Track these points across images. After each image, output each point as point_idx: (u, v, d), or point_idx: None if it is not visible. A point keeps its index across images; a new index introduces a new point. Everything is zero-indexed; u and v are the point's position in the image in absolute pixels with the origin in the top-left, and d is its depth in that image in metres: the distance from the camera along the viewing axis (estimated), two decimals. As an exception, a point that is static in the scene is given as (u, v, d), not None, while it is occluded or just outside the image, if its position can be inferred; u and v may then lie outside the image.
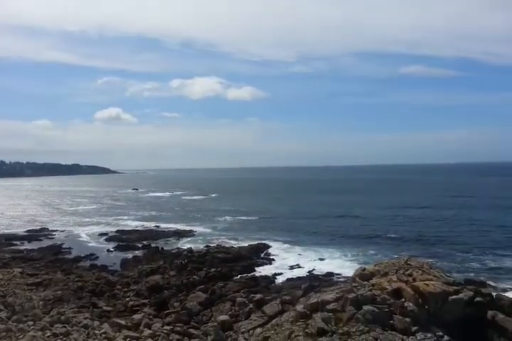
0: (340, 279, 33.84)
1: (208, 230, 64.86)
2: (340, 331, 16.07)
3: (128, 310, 27.50)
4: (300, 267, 41.00)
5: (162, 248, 50.72)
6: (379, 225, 63.76)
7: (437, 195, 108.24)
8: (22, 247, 54.27)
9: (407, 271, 19.37)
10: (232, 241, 54.14)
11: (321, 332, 16.07)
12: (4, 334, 19.67)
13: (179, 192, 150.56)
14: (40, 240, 59.55)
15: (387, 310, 16.89)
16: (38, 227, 69.77)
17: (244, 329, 19.99)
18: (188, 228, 66.55)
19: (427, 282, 17.98)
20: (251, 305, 24.59)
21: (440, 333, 16.24)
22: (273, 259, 44.75)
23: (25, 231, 66.04)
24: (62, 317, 22.76)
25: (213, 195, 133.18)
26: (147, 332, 21.14)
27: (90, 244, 56.82)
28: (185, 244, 53.62)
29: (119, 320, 23.21)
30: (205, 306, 27.08)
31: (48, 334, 19.98)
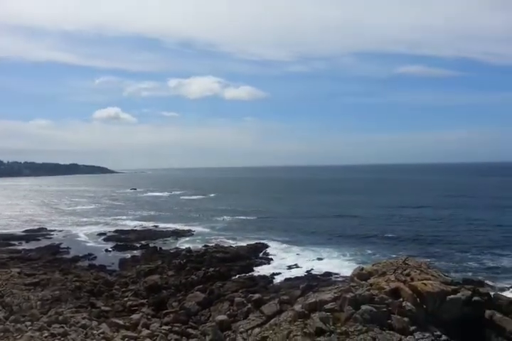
0: (339, 279, 33.88)
1: (207, 230, 64.85)
2: (339, 331, 16.08)
3: (126, 310, 27.48)
4: (298, 267, 41.04)
5: (160, 248, 50.71)
6: (377, 225, 63.84)
7: (436, 195, 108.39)
8: (20, 247, 54.18)
9: (405, 270, 19.38)
10: (231, 241, 54.15)
11: (319, 332, 16.07)
12: (2, 334, 19.64)
13: (178, 192, 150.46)
14: (38, 240, 59.45)
15: (385, 309, 16.90)
16: (36, 227, 69.62)
17: (242, 329, 19.98)
18: (186, 228, 66.55)
19: (424, 281, 18.00)
20: (249, 305, 24.59)
21: (438, 333, 16.26)
22: (271, 259, 44.78)
23: (23, 231, 65.92)
24: (60, 317, 22.73)
25: (212, 195, 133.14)
26: (145, 332, 21.14)
27: (88, 244, 56.76)
28: (183, 244, 53.61)
29: (117, 320, 23.19)
30: (204, 306, 27.08)
31: (46, 334, 19.95)
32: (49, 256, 47.38)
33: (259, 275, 37.68)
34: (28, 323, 21.72)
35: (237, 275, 37.47)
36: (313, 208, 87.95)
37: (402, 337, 15.78)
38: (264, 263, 43.09)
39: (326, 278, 35.61)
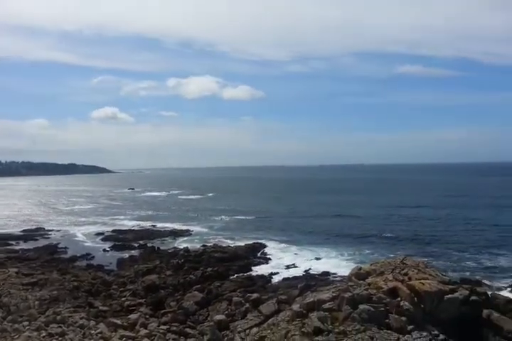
0: (337, 278, 33.87)
1: (205, 229, 64.82)
2: (337, 330, 16.10)
3: (124, 310, 27.46)
4: (296, 266, 41.06)
5: (158, 247, 50.67)
6: (375, 224, 63.91)
7: (434, 195, 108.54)
8: (17, 247, 54.04)
9: (402, 270, 19.43)
10: (229, 241, 54.15)
11: (318, 332, 16.10)
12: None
13: (176, 192, 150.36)
14: (36, 240, 59.35)
15: (383, 309, 16.94)
16: (34, 227, 69.47)
17: (240, 329, 20.00)
18: (184, 227, 66.50)
19: (422, 281, 18.05)
20: (247, 305, 24.62)
21: (436, 332, 16.30)
22: (269, 259, 44.80)
23: (21, 231, 65.79)
24: (58, 317, 22.70)
25: (210, 195, 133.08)
26: (143, 331, 21.13)
27: (86, 244, 56.68)
28: (181, 244, 53.58)
29: (115, 320, 23.17)
30: (202, 306, 27.08)
31: (44, 334, 19.93)
32: (47, 255, 47.28)
33: (257, 275, 37.68)
34: (26, 323, 21.70)
35: (235, 275, 37.46)
36: (312, 208, 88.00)
37: (400, 336, 15.81)
38: (262, 263, 43.10)
39: (324, 278, 35.64)
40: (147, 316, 25.28)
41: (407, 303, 17.10)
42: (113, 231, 64.50)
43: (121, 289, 32.86)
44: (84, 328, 21.27)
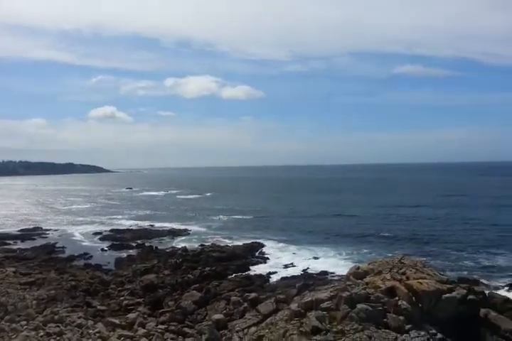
0: (335, 278, 33.88)
1: (203, 229, 64.79)
2: (335, 329, 16.11)
3: (122, 309, 27.43)
4: (294, 266, 41.08)
5: (156, 247, 50.63)
6: (373, 224, 63.99)
7: (433, 195, 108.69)
8: (15, 246, 53.94)
9: (400, 269, 19.45)
10: (227, 240, 54.14)
11: (316, 331, 16.10)
12: (-3, 333, 19.56)
13: (174, 191, 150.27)
14: (34, 239, 59.24)
15: (380, 308, 16.95)
16: (32, 226, 69.37)
17: (238, 328, 20.00)
18: (182, 227, 66.46)
19: (420, 280, 18.07)
20: (245, 304, 24.61)
21: (433, 331, 16.32)
22: (267, 258, 44.80)
23: (19, 231, 65.67)
24: (56, 317, 22.66)
25: (208, 194, 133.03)
26: (141, 331, 21.10)
27: (84, 243, 56.60)
28: (179, 243, 53.54)
29: (113, 319, 23.14)
30: (200, 305, 27.06)
31: (42, 333, 19.89)
32: (44, 255, 47.20)
33: (255, 275, 37.68)
34: (24, 323, 21.64)
35: (234, 275, 37.47)
36: (310, 207, 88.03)
37: (398, 335, 15.83)
38: (261, 263, 43.11)
39: (322, 277, 35.67)
40: (145, 315, 25.26)
41: (404, 302, 17.12)
42: (111, 230, 64.42)
43: (119, 288, 32.82)
44: (82, 328, 21.22)
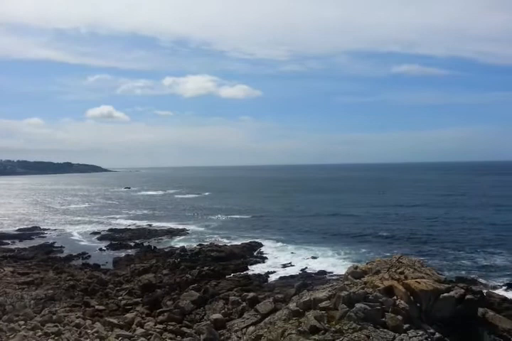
0: (333, 277, 33.94)
1: (201, 229, 64.79)
2: (333, 329, 16.12)
3: (120, 309, 27.40)
4: (293, 265, 41.12)
5: (155, 246, 50.63)
6: (371, 223, 64.07)
7: (430, 194, 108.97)
8: (13, 246, 53.87)
9: (398, 268, 19.46)
10: (225, 240, 54.16)
11: (314, 330, 16.11)
12: (-5, 333, 19.54)
13: (172, 191, 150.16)
14: (32, 239, 59.17)
15: (379, 307, 16.96)
16: (30, 226, 69.28)
17: (237, 328, 20.02)
18: (180, 226, 66.45)
19: (418, 280, 18.08)
20: (244, 304, 24.63)
21: (431, 330, 16.34)
22: (266, 258, 44.83)
23: (17, 230, 65.59)
24: (54, 317, 22.65)
25: (206, 194, 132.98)
26: (140, 330, 21.11)
27: (82, 243, 56.55)
28: (178, 243, 53.56)
29: (111, 319, 23.13)
30: (198, 305, 27.04)
31: (40, 333, 19.88)
32: (42, 255, 47.15)
33: (253, 274, 37.71)
34: (22, 322, 21.63)
35: (232, 274, 37.49)
36: (308, 207, 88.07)
37: (396, 334, 15.84)
38: (259, 262, 43.13)
39: (321, 277, 35.74)
40: (143, 315, 25.25)
41: (403, 302, 17.14)
42: (109, 230, 64.37)
43: (118, 288, 32.78)
44: (80, 327, 21.22)
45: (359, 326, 16.03)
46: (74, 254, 47.77)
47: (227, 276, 36.45)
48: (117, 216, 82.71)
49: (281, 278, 36.56)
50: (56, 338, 19.51)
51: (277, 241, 52.73)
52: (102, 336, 20.13)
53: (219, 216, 78.03)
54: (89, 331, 20.64)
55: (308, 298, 18.30)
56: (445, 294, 17.63)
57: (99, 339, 19.91)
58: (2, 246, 53.04)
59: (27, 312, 24.01)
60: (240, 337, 18.92)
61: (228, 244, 49.96)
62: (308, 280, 32.70)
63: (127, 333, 20.75)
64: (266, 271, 39.07)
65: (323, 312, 17.05)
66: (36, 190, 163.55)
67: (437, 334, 16.06)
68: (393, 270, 19.44)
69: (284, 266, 41.21)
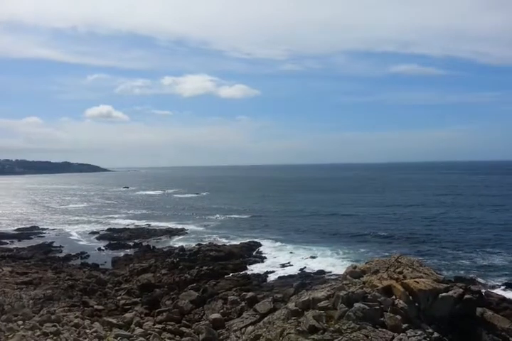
0: (332, 277, 33.97)
1: (200, 228, 64.78)
2: (332, 328, 16.13)
3: (119, 309, 27.41)
4: (291, 265, 41.14)
5: (153, 246, 50.60)
6: (370, 223, 64.12)
7: (429, 194, 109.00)
8: (12, 246, 53.79)
9: (397, 268, 19.48)
10: (224, 240, 54.18)
11: (313, 330, 16.12)
12: (-7, 333, 19.50)
13: (171, 191, 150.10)
14: (30, 238, 59.11)
15: (377, 307, 16.97)
16: (28, 226, 69.23)
17: (236, 328, 20.03)
18: (179, 226, 66.44)
19: (417, 279, 18.10)
20: (243, 303, 24.65)
21: (430, 330, 16.36)
22: (265, 257, 44.84)
23: (15, 230, 65.52)
24: (53, 316, 22.60)
25: (205, 193, 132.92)
26: (139, 330, 21.08)
27: (81, 243, 56.53)
28: (176, 243, 53.54)
29: (110, 319, 23.10)
30: (197, 304, 27.05)
31: (38, 333, 19.83)
32: (41, 254, 47.11)
33: (252, 274, 37.71)
34: (20, 322, 21.57)
35: (231, 274, 37.49)
36: (307, 206, 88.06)
37: (395, 334, 15.85)
38: (258, 262, 43.14)
39: (319, 276, 35.75)
40: (142, 315, 25.25)
41: (401, 302, 17.15)
42: (108, 229, 64.35)
43: (116, 288, 32.79)
44: (79, 327, 21.18)
45: (358, 326, 16.04)
46: (72, 254, 47.75)
47: (226, 276, 36.45)
48: (116, 216, 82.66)
49: (280, 277, 36.56)
50: (55, 338, 19.47)
51: (276, 240, 52.75)
52: (100, 336, 20.10)
53: (218, 215, 78.02)
54: (88, 331, 20.61)
55: (307, 298, 18.32)
56: (444, 294, 17.65)
57: (97, 339, 19.88)
58: (1, 246, 53.00)
59: (25, 312, 23.97)
60: (239, 337, 18.92)
61: (227, 244, 49.97)
62: (307, 279, 32.74)
63: (126, 333, 20.71)
64: (265, 270, 39.07)
65: (322, 311, 17.06)
66: (35, 190, 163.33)
67: (436, 334, 16.07)
68: (392, 269, 19.46)
69: (283, 265, 41.22)
